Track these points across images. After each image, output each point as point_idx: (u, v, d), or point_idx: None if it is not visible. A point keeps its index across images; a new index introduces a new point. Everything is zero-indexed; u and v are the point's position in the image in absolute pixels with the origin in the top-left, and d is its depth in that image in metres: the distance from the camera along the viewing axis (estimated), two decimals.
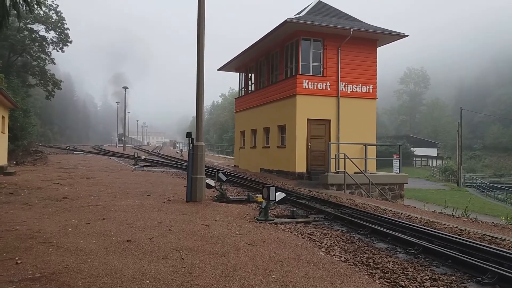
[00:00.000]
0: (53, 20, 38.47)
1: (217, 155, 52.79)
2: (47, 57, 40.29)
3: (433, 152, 73.49)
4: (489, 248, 6.10)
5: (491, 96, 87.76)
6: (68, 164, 22.03)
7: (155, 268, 4.56)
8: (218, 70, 28.43)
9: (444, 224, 8.90)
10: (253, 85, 25.62)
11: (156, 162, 26.13)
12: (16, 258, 4.70)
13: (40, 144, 51.66)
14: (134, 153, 27.34)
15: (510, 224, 10.85)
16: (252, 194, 11.76)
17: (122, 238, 5.82)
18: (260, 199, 8.49)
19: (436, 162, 67.25)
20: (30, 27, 37.66)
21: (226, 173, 11.82)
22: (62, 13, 39.07)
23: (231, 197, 10.97)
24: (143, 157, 26.79)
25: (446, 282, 4.82)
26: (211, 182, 10.35)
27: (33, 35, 37.99)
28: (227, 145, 57.65)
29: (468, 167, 61.78)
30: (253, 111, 24.43)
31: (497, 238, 7.58)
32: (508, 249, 6.42)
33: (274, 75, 21.94)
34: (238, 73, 28.01)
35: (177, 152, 49.06)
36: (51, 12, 38.42)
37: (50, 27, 38.67)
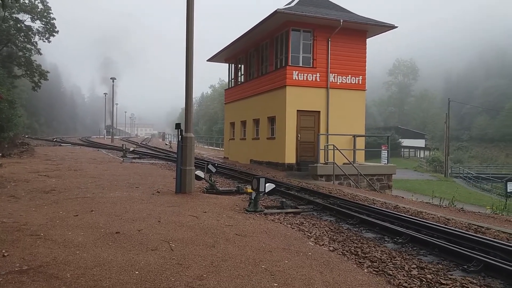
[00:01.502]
0: (39, 10, 37.64)
1: (206, 146, 52.61)
2: (33, 47, 39.48)
3: (421, 143, 74.40)
4: (475, 237, 6.21)
5: (478, 88, 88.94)
6: (56, 156, 21.75)
7: (144, 260, 4.54)
8: (207, 61, 28.24)
9: (431, 214, 9.02)
10: (243, 76, 25.50)
11: (144, 154, 25.94)
12: (3, 251, 4.64)
13: (27, 136, 50.78)
14: (123, 144, 27.05)
15: (495, 214, 11.04)
16: (242, 185, 11.76)
17: (111, 230, 5.78)
18: (249, 190, 8.49)
19: (424, 153, 68.06)
20: (15, 17, 36.76)
21: (216, 164, 11.79)
22: (48, 2, 38.24)
23: (220, 189, 10.96)
24: (131, 149, 26.60)
25: (433, 271, 4.89)
26: (200, 173, 10.30)
27: (19, 25, 37.12)
28: (217, 136, 57.48)
29: (455, 158, 62.57)
30: (243, 102, 24.35)
31: (482, 227, 7.71)
32: (494, 238, 6.53)
33: (264, 66, 21.85)
34: (227, 64, 27.84)
35: (166, 144, 48.76)
36: (36, 1, 37.60)
37: (36, 17, 37.80)
